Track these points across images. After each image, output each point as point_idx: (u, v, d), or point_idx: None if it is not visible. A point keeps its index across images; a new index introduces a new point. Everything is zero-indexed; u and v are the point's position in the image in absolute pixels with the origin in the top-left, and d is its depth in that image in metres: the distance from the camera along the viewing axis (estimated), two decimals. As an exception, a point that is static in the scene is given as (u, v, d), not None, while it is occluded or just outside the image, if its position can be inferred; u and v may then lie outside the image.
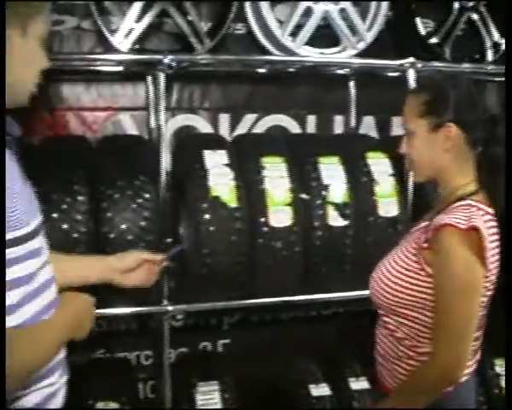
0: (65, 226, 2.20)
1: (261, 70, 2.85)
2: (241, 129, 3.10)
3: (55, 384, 1.45)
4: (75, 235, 2.22)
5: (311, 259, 2.42)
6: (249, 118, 3.11)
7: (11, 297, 1.25)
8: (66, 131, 2.93)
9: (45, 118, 2.92)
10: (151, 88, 2.86)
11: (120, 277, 1.82)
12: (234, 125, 3.11)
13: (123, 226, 2.24)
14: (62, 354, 1.49)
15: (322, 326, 3.28)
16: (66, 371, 1.52)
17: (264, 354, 3.08)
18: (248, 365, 3.02)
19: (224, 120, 3.09)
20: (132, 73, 2.94)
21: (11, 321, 1.24)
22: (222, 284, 2.38)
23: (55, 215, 2.19)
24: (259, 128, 3.12)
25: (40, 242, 1.37)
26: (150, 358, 3.16)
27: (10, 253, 1.23)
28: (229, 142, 2.65)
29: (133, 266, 1.83)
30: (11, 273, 1.23)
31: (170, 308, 2.46)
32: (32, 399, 1.38)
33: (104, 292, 2.21)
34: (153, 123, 2.87)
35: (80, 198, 2.25)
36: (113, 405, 2.58)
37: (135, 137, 2.92)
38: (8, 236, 1.22)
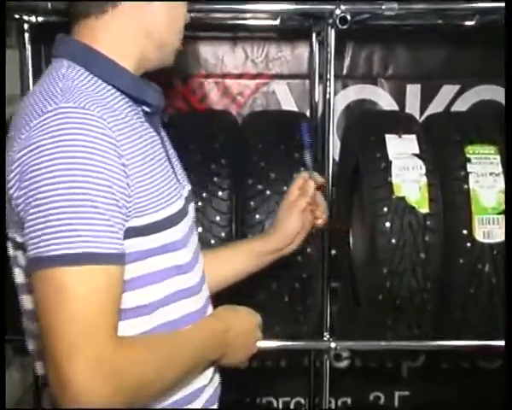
0: (199, 229, 2.24)
1: (468, 23, 2.75)
2: (437, 105, 3.06)
3: None
4: (212, 241, 2.28)
5: (531, 289, 2.33)
6: (448, 90, 3.06)
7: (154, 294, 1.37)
8: (204, 104, 3.03)
9: (178, 87, 3.04)
10: (316, 49, 2.92)
11: (284, 251, 1.83)
12: (427, 99, 3.07)
13: (275, 233, 2.25)
14: (204, 382, 1.51)
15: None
16: (212, 404, 1.56)
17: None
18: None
19: (414, 92, 3.07)
20: (292, 30, 2.97)
21: (149, 322, 1.35)
22: (403, 315, 2.34)
23: (187, 215, 2.24)
24: (462, 104, 3.07)
25: (185, 230, 1.46)
26: (303, 407, 3.19)
27: (153, 240, 1.34)
28: (420, 123, 2.60)
29: (300, 230, 1.81)
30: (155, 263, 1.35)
31: (333, 345, 2.44)
32: None
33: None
34: (317, 96, 2.93)
35: (221, 194, 2.31)
36: None
37: (293, 113, 2.93)
38: (149, 218, 1.32)
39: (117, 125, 1.28)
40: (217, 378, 1.58)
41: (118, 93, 1.35)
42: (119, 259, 1.23)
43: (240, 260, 1.81)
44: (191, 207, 1.55)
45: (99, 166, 1.21)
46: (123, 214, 1.25)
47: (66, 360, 1.14)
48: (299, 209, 1.77)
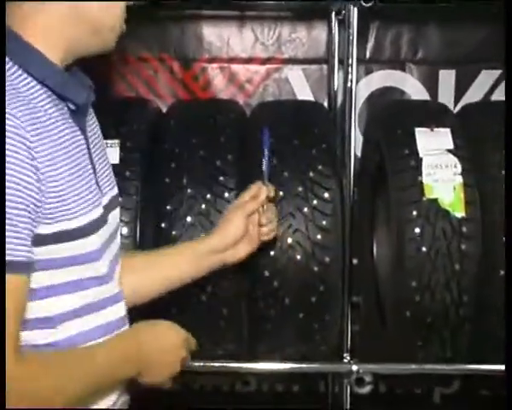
0: (201, 234, 2.22)
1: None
2: (474, 94, 3.06)
3: None
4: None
5: None
6: (487, 76, 3.06)
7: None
8: (207, 92, 3.05)
9: (178, 74, 3.02)
10: (336, 30, 2.90)
11: (225, 256, 1.84)
12: (462, 87, 3.06)
13: (289, 240, 2.25)
14: (108, 404, 1.56)
15: None
16: None
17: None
18: None
19: (447, 79, 3.06)
20: (308, 8, 2.98)
21: (55, 334, 1.41)
22: (435, 334, 2.35)
23: (189, 219, 2.27)
24: (503, 92, 2.81)
25: (102, 240, 1.50)
26: (320, 439, 3.15)
27: (51, 251, 1.37)
28: (454, 114, 2.60)
29: (242, 235, 1.83)
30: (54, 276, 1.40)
31: (354, 368, 2.45)
32: None
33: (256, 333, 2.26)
34: (337, 83, 2.92)
35: (226, 195, 2.30)
36: None
37: (309, 103, 2.92)
38: (51, 228, 1.35)
39: (33, 125, 1.32)
40: (122, 402, 1.62)
41: (39, 87, 1.37)
42: (25, 267, 1.29)
43: (180, 261, 1.84)
44: (113, 214, 1.58)
45: (9, 167, 1.26)
46: (32, 220, 1.29)
47: None
48: (245, 213, 1.80)
